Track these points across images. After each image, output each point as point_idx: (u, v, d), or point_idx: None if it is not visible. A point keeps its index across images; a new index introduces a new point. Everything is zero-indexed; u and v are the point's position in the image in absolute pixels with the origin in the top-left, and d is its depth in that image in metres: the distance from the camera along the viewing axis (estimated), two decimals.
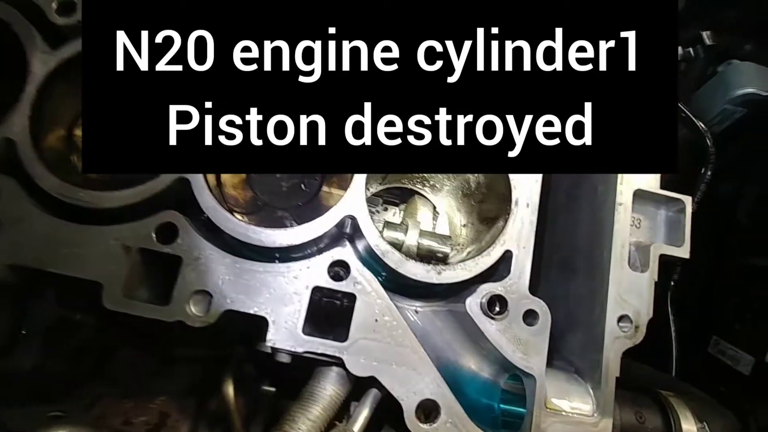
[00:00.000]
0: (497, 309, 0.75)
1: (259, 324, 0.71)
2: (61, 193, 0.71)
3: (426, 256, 0.98)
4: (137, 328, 0.77)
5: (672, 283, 1.31)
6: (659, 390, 0.85)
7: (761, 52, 1.61)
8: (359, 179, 0.77)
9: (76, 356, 0.90)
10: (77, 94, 0.76)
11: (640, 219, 0.87)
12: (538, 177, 0.81)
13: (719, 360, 1.40)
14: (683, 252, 0.82)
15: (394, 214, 1.11)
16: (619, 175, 0.83)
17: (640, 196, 0.83)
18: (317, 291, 0.73)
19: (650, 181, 0.84)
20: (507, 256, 0.77)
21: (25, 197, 0.71)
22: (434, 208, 1.08)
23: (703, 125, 1.33)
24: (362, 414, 0.75)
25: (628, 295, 0.79)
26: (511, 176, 0.80)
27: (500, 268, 0.78)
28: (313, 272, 0.73)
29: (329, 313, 0.76)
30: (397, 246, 0.95)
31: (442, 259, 0.91)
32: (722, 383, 1.35)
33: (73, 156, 0.84)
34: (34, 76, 0.75)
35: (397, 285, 0.82)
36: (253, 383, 0.87)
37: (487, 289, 0.75)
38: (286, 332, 0.70)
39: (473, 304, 0.74)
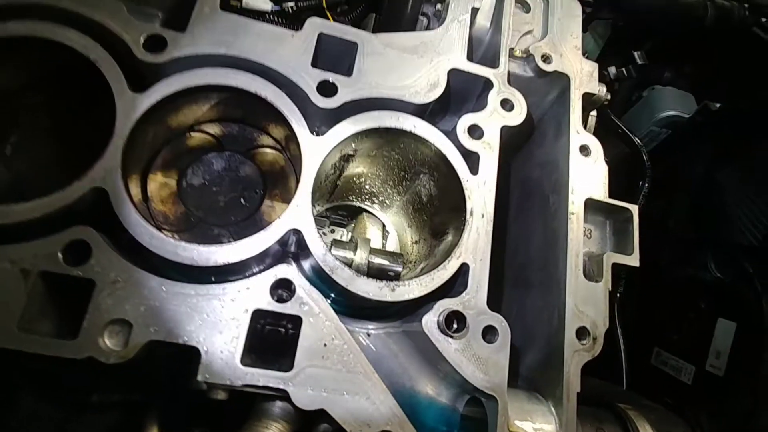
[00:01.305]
0: (455, 326, 0.70)
1: (190, 356, 0.61)
2: None
3: (377, 275, 0.92)
4: (41, 370, 0.65)
5: (618, 295, 1.33)
6: (617, 404, 0.83)
7: (679, 78, 1.75)
8: (305, 189, 0.70)
9: None
10: None
11: (591, 229, 0.87)
12: (492, 186, 0.78)
13: (662, 371, 1.43)
14: (633, 260, 0.82)
15: (341, 236, 1.04)
16: (570, 185, 0.82)
17: (590, 205, 0.83)
18: (258, 315, 0.64)
19: (599, 191, 0.84)
20: (464, 270, 0.73)
21: None
22: (383, 226, 1.03)
23: (639, 141, 1.39)
24: None
25: (585, 306, 0.77)
26: (465, 186, 0.77)
27: (457, 283, 0.74)
28: (254, 293, 0.65)
29: (272, 341, 0.68)
30: (347, 265, 0.89)
31: (394, 278, 0.86)
32: (667, 394, 1.38)
33: None
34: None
35: (347, 306, 0.75)
36: (183, 428, 0.76)
37: (445, 305, 0.70)
38: (222, 364, 0.61)
39: (430, 322, 0.69)
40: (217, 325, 0.62)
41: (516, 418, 0.70)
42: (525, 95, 0.86)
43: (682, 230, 1.49)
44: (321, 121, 0.76)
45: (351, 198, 1.05)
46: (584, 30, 1.12)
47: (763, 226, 1.29)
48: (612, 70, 1.42)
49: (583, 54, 1.81)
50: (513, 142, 0.91)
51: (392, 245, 1.01)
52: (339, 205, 1.06)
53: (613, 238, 0.86)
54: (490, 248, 0.75)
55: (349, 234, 1.05)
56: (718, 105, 1.55)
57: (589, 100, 0.90)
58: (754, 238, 1.31)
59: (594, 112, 1.01)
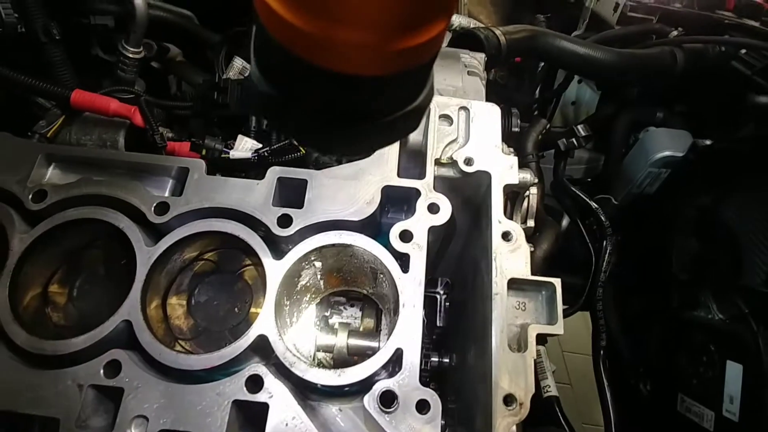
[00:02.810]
0: (390, 403, 0.86)
1: None
2: (30, 345, 0.89)
3: (357, 353, 1.11)
4: None
5: (602, 352, 1.37)
6: None
7: (672, 117, 1.79)
8: (269, 304, 0.93)
9: None
10: (50, 261, 0.99)
11: (525, 302, 0.99)
12: (421, 280, 0.95)
13: (686, 417, 1.42)
14: (557, 329, 0.93)
15: (349, 316, 1.24)
16: (494, 267, 0.97)
17: (515, 284, 0.97)
18: (237, 403, 0.86)
19: (522, 270, 0.97)
20: (398, 353, 0.90)
21: (4, 351, 0.90)
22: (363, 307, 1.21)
23: (594, 204, 1.46)
24: None
25: (512, 375, 0.89)
26: (398, 283, 0.95)
27: (394, 365, 0.90)
28: (233, 387, 0.87)
29: (253, 416, 0.89)
30: (330, 350, 1.09)
31: (372, 354, 1.04)
32: None
33: (47, 308, 1.04)
34: (14, 252, 0.97)
35: (316, 389, 0.95)
36: None
37: (382, 385, 0.87)
38: None
39: (369, 400, 0.86)
40: (207, 414, 0.85)
41: None
42: (456, 193, 1.04)
43: (685, 272, 1.50)
44: (285, 245, 1.00)
45: (341, 287, 1.25)
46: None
47: (764, 264, 1.30)
48: (562, 142, 1.52)
49: (582, 103, 1.98)
50: (451, 233, 1.08)
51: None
52: (336, 292, 1.27)
53: (545, 309, 0.98)
54: (420, 334, 0.91)
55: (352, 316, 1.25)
56: (707, 142, 1.58)
57: (513, 189, 1.05)
58: (758, 277, 1.31)
59: (534, 190, 1.14)
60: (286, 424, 0.85)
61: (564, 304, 1.80)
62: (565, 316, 1.50)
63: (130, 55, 1.46)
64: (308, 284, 1.12)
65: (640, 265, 1.76)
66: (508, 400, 0.87)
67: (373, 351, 1.05)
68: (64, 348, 0.89)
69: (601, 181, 1.93)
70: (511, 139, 1.32)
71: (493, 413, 0.86)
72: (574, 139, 1.54)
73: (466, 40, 1.40)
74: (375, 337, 1.10)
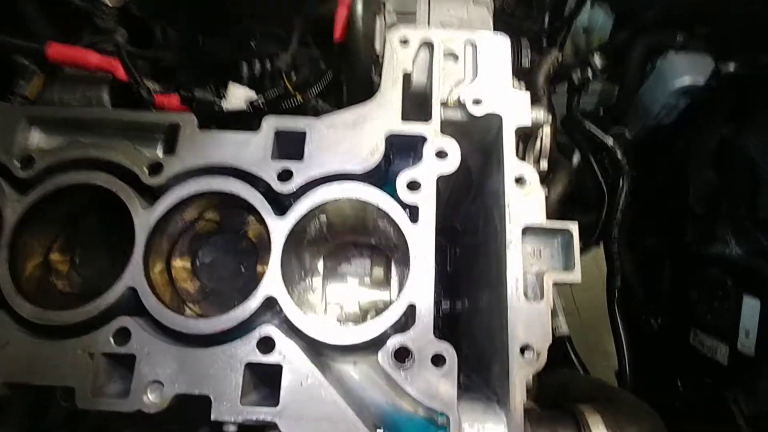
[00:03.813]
0: (405, 358, 0.85)
1: (206, 401, 0.84)
2: (36, 317, 0.88)
3: (369, 308, 1.09)
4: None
5: (616, 293, 1.35)
6: (578, 403, 0.91)
7: (693, 40, 1.66)
8: (275, 263, 0.90)
9: None
10: (47, 229, 0.95)
11: (540, 248, 0.95)
12: (432, 231, 0.91)
13: (699, 351, 1.42)
14: (575, 277, 0.90)
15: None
16: (508, 215, 0.92)
17: (530, 230, 0.92)
18: (250, 365, 0.86)
19: (537, 217, 0.92)
20: (410, 308, 0.88)
21: (11, 323, 0.89)
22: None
23: (610, 140, 1.38)
24: None
25: (528, 325, 0.87)
26: (407, 235, 0.91)
27: (407, 319, 0.88)
28: (245, 349, 0.86)
29: (267, 379, 0.88)
30: (342, 302, 1.08)
31: (384, 307, 1.03)
32: (706, 374, 1.38)
33: (51, 277, 1.01)
34: (7, 222, 0.93)
35: (328, 346, 0.93)
36: None
37: (395, 341, 0.86)
38: (228, 406, 0.83)
39: (384, 356, 0.85)
40: (220, 377, 0.85)
41: (469, 427, 0.84)
42: (466, 138, 0.97)
43: (702, 206, 1.45)
44: (287, 200, 0.95)
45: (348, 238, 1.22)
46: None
47: None
48: (577, 75, 1.42)
49: (594, 29, 1.85)
50: (464, 181, 1.02)
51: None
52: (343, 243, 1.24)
53: (560, 255, 0.94)
54: (433, 287, 0.88)
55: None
56: (732, 66, 1.48)
57: (525, 130, 0.98)
58: None
59: (546, 129, 1.07)
60: (301, 384, 0.84)
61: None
62: (588, 248, 1.47)
63: (108, 2, 1.34)
64: (314, 237, 1.08)
65: (654, 200, 1.71)
66: (525, 349, 0.86)
67: (384, 302, 1.04)
68: (70, 318, 0.88)
69: (615, 112, 1.83)
70: (521, 74, 1.23)
71: (510, 363, 0.85)
72: (588, 71, 1.44)
73: None
74: (386, 287, 1.08)
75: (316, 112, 1.16)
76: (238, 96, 1.15)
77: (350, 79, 1.14)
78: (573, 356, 1.46)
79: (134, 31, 1.52)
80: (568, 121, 1.58)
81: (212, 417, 0.83)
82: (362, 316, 1.13)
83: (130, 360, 0.86)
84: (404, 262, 0.95)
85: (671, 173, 1.63)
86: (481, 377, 1.00)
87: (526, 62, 1.21)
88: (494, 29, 1.20)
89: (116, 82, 1.11)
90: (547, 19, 1.73)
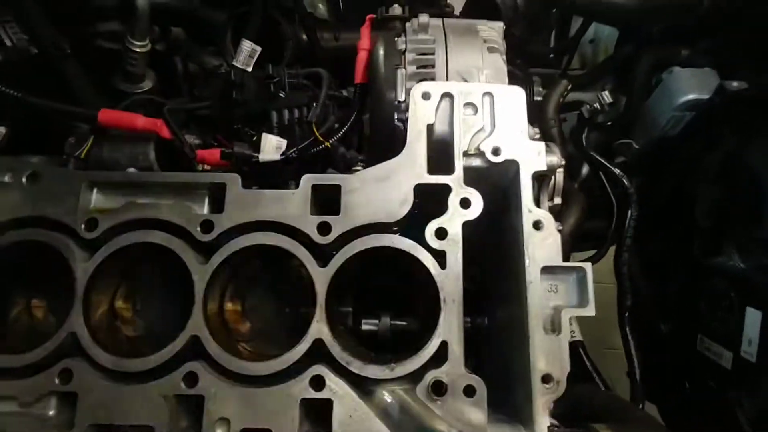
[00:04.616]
0: (440, 390, 0.96)
1: None
2: (115, 366, 1.00)
3: (399, 335, 1.21)
4: None
5: (627, 314, 1.43)
6: (597, 420, 1.03)
7: (697, 56, 1.72)
8: (320, 309, 1.01)
9: None
10: (111, 281, 1.07)
11: (557, 285, 1.05)
12: (459, 275, 1.01)
13: (705, 356, 1.52)
14: (589, 311, 1.00)
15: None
16: (527, 257, 1.02)
17: (547, 270, 1.02)
18: (304, 401, 0.97)
19: (553, 257, 1.02)
20: (443, 346, 0.99)
21: (91, 371, 1.01)
22: None
23: (619, 171, 1.45)
24: None
25: (548, 357, 0.98)
26: (437, 280, 1.01)
27: (441, 355, 0.99)
28: (299, 388, 0.98)
29: (318, 409, 1.00)
30: (374, 333, 1.19)
31: (411, 337, 1.15)
32: (711, 378, 1.49)
33: (117, 322, 1.13)
34: (79, 280, 1.05)
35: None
36: None
37: (431, 375, 0.97)
38: None
39: (420, 389, 0.97)
40: (280, 413, 0.96)
41: None
42: (484, 181, 1.07)
43: (707, 220, 1.53)
44: (327, 251, 1.05)
45: None
46: None
47: None
48: (585, 110, 1.49)
49: (600, 40, 1.93)
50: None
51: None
52: None
53: (576, 291, 1.04)
54: (461, 327, 0.99)
55: None
56: (735, 84, 1.54)
57: (541, 173, 1.07)
58: None
59: (560, 171, 1.16)
60: (350, 416, 0.96)
61: (589, 249, 1.85)
62: (594, 262, 1.57)
63: (138, 50, 1.43)
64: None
65: (661, 208, 1.79)
66: (546, 379, 0.97)
67: (411, 333, 1.15)
68: (143, 365, 0.99)
69: (623, 123, 1.89)
70: (532, 108, 1.31)
71: (533, 391, 0.96)
72: (598, 105, 1.51)
73: (479, 6, 1.34)
74: (414, 319, 1.19)
75: (343, 157, 1.26)
76: (270, 145, 1.25)
77: (373, 125, 1.23)
78: (586, 361, 1.56)
79: (157, 65, 1.60)
80: (576, 146, 1.64)
81: None
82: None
83: (200, 400, 0.98)
84: (434, 302, 1.05)
85: (678, 184, 1.70)
86: (500, 393, 1.09)
87: (537, 97, 1.29)
88: (505, 54, 1.27)
89: (160, 139, 1.20)
90: (553, 40, 1.79)
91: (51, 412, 1.00)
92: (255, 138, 1.28)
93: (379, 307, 1.24)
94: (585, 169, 1.81)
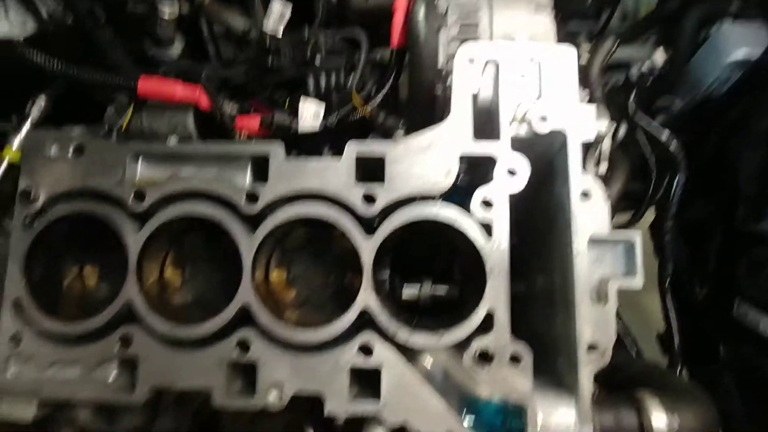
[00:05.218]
0: (487, 358, 0.98)
1: (319, 399, 1.00)
2: (170, 333, 1.03)
3: (440, 301, 1.23)
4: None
5: (667, 284, 1.41)
6: (637, 386, 1.04)
7: (748, 8, 1.61)
8: (367, 279, 1.02)
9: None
10: (160, 250, 1.09)
11: (604, 254, 1.04)
12: (506, 246, 1.01)
13: (742, 323, 1.51)
14: (637, 282, 0.99)
15: None
16: (574, 227, 1.01)
17: (596, 240, 1.01)
18: (354, 368, 1.00)
19: (601, 228, 1.01)
20: (489, 315, 1.00)
21: (148, 338, 1.05)
22: None
23: (665, 136, 1.40)
24: None
25: (594, 326, 0.98)
26: (482, 251, 1.01)
27: (487, 324, 1.01)
28: (348, 355, 1.01)
29: (367, 374, 1.03)
30: (414, 299, 1.21)
31: (451, 301, 1.17)
32: (748, 346, 1.48)
33: (168, 291, 1.17)
34: (131, 251, 1.07)
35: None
36: None
37: (478, 343, 0.99)
38: (337, 402, 0.99)
39: (467, 358, 0.99)
40: (330, 379, 1.00)
41: (543, 413, 0.98)
42: (530, 150, 1.04)
43: (753, 185, 1.49)
44: (372, 220, 1.05)
45: None
46: None
47: None
48: (634, 72, 1.41)
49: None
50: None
51: None
52: None
53: (623, 260, 1.03)
54: (508, 296, 1.00)
55: None
56: None
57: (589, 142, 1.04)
58: None
59: (607, 140, 1.12)
60: (399, 382, 0.99)
61: (627, 209, 1.81)
62: (629, 226, 1.55)
63: (167, 17, 1.39)
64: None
65: (702, 174, 1.73)
66: (592, 348, 0.98)
67: (451, 297, 1.16)
68: (197, 333, 1.03)
69: (665, 81, 1.80)
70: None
71: (579, 360, 0.97)
72: (648, 66, 1.44)
73: None
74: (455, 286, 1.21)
75: (383, 124, 1.24)
76: (309, 111, 1.23)
77: (413, 91, 1.19)
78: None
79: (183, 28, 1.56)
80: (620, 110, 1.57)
81: (326, 412, 0.99)
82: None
83: (252, 366, 1.02)
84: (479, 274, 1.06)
85: (720, 147, 1.65)
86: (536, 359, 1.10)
87: (582, 60, 1.23)
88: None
89: (199, 108, 1.19)
90: None
91: (111, 377, 1.05)
92: (287, 103, 1.26)
93: (413, 274, 1.25)
94: (622, 131, 1.75)
